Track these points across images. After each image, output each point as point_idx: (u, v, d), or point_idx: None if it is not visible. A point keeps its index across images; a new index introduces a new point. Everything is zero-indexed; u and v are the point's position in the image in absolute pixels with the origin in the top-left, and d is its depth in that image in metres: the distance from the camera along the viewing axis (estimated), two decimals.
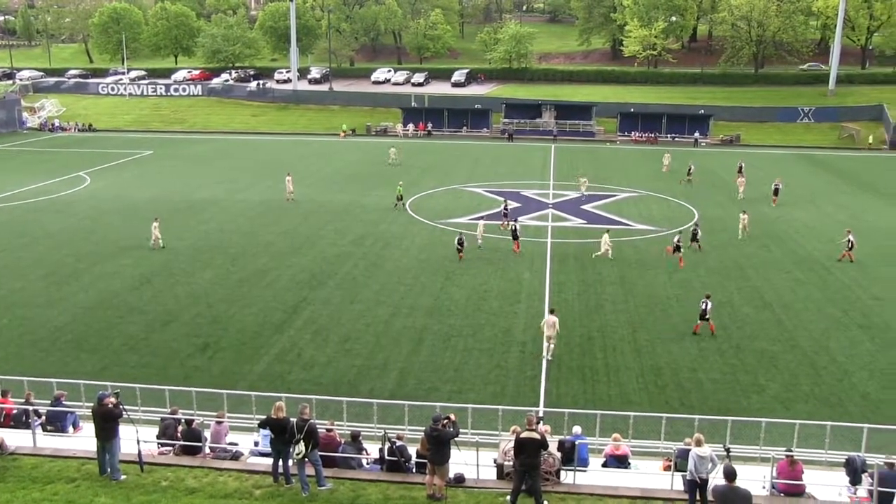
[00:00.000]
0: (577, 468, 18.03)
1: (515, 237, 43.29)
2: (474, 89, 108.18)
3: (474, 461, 17.85)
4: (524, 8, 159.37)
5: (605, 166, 71.23)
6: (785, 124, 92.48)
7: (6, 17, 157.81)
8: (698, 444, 16.10)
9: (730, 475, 14.36)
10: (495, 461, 18.21)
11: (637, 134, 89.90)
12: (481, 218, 45.84)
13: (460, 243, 41.85)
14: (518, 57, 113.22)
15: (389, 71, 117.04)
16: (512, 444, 16.89)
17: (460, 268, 40.11)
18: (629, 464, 19.41)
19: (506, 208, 49.76)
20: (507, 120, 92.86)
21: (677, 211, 53.19)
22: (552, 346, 29.39)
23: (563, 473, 17.86)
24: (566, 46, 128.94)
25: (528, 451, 16.30)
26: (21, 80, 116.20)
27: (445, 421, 17.01)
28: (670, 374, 28.08)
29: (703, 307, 31.60)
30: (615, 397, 26.35)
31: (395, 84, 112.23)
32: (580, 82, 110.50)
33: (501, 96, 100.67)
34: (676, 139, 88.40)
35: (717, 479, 15.77)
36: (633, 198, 57.84)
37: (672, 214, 52.07)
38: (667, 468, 18.63)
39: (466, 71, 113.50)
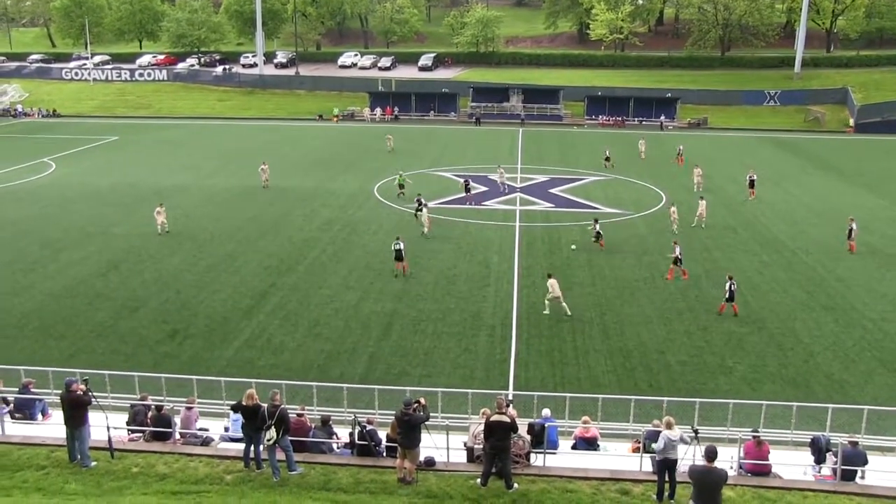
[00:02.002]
0: (547, 451, 18.16)
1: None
2: (441, 73, 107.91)
3: (444, 445, 17.91)
4: None
5: (572, 150, 71.46)
6: (751, 107, 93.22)
7: None
8: (669, 426, 16.23)
9: (711, 455, 14.48)
10: (465, 444, 18.28)
11: (604, 117, 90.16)
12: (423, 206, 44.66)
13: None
14: (485, 41, 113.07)
15: (356, 55, 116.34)
16: (482, 427, 16.95)
17: (429, 251, 40.06)
18: (598, 446, 19.60)
19: (467, 188, 51.33)
20: (474, 104, 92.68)
21: (645, 194, 53.50)
22: (564, 304, 31.78)
23: (532, 456, 17.98)
24: (533, 30, 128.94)
25: (497, 434, 16.38)
26: None
27: (416, 405, 17.02)
28: (639, 357, 28.32)
29: (729, 288, 31.74)
30: (584, 380, 26.53)
31: (362, 68, 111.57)
32: (547, 66, 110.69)
33: (469, 80, 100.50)
34: (644, 122, 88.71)
35: (685, 460, 15.97)
36: (600, 181, 58.07)
37: (640, 197, 52.37)
38: (636, 450, 18.82)
39: (433, 55, 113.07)
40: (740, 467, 17.52)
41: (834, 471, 17.44)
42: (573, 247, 40.77)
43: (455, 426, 19.62)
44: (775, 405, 22.54)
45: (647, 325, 31.17)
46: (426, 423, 17.10)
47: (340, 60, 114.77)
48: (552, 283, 32.14)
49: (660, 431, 16.48)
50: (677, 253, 36.21)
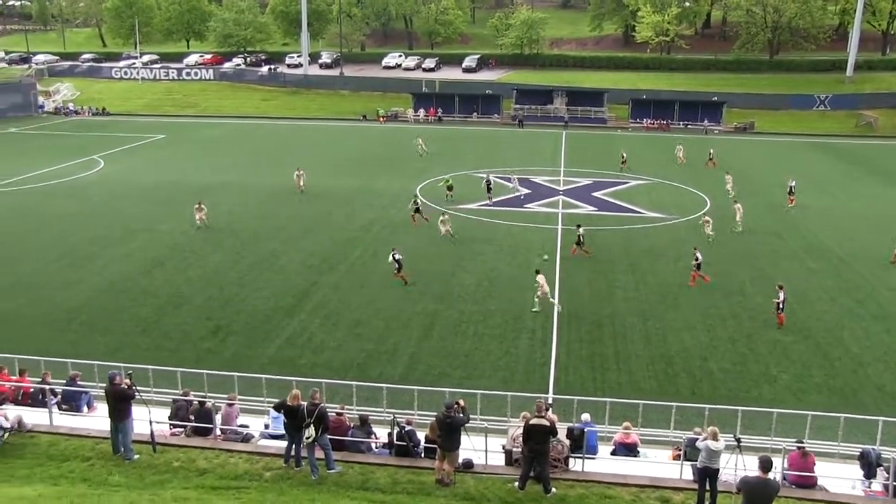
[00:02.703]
0: (586, 456, 18.01)
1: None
2: (485, 75, 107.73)
3: (483, 447, 17.83)
4: None
5: (616, 153, 70.81)
6: (800, 111, 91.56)
7: (22, 2, 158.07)
8: (714, 437, 15.87)
9: (766, 466, 14.03)
10: (504, 447, 18.20)
11: (649, 121, 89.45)
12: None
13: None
14: (529, 43, 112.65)
15: (400, 56, 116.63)
16: (521, 430, 16.85)
17: (471, 254, 39.98)
18: (638, 452, 19.36)
19: (489, 187, 51.45)
20: (517, 106, 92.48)
21: (689, 198, 52.89)
22: (552, 299, 32.53)
23: (571, 461, 17.83)
24: (578, 32, 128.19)
25: (536, 437, 16.27)
26: (37, 64, 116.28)
27: (455, 407, 16.97)
28: (681, 363, 27.97)
29: (780, 299, 31.18)
30: (625, 385, 26.28)
31: (406, 69, 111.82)
32: (592, 68, 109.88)
33: (512, 82, 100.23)
34: (689, 126, 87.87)
35: (727, 469, 15.70)
36: (644, 185, 57.56)
37: (683, 202, 51.78)
38: (676, 457, 18.57)
39: (477, 56, 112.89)
40: (784, 479, 17.17)
41: (886, 487, 16.98)
42: (545, 257, 39.21)
43: (494, 429, 19.52)
44: (822, 416, 21.97)
45: (690, 331, 30.79)
46: (465, 425, 17.05)
47: (385, 61, 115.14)
48: (540, 279, 32.47)
49: (701, 438, 16.23)
50: (698, 258, 35.97)
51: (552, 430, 16.42)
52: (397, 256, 36.23)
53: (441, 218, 42.97)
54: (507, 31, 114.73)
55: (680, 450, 18.07)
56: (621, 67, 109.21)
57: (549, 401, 23.53)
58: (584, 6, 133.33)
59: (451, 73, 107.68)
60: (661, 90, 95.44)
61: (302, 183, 53.84)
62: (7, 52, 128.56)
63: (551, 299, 32.83)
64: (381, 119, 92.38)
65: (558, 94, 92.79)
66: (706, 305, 33.27)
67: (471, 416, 18.57)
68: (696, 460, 16.20)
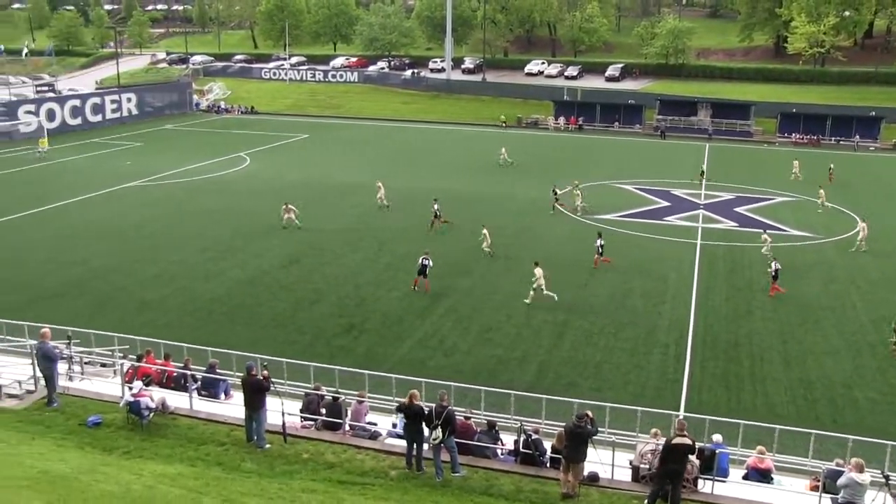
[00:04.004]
0: (717, 478, 17.47)
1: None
2: (628, 84, 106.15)
3: (610, 461, 17.59)
4: (684, 2, 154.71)
5: (761, 168, 68.49)
6: None
7: (185, 6, 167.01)
8: (859, 469, 15.09)
9: None
10: (631, 463, 17.89)
11: (798, 135, 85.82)
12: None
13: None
14: (675, 52, 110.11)
15: (543, 63, 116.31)
16: (650, 446, 16.53)
17: (605, 265, 39.44)
18: (772, 479, 18.61)
19: (556, 195, 50.30)
20: (660, 116, 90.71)
21: (836, 218, 50.45)
22: (547, 291, 33.55)
23: (700, 482, 17.35)
24: (726, 42, 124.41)
25: (676, 457, 15.88)
26: (193, 64, 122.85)
27: (585, 418, 16.80)
28: (822, 389, 26.71)
29: None
30: (760, 408, 25.32)
31: (549, 76, 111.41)
32: (739, 80, 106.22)
33: (655, 92, 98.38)
34: (841, 142, 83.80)
35: None
36: (790, 202, 55.33)
37: (830, 221, 49.44)
38: (814, 488, 17.73)
39: (621, 65, 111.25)
40: None
41: None
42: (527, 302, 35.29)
43: (621, 443, 19.24)
44: None
45: (833, 356, 29.37)
46: (593, 437, 16.85)
47: (527, 68, 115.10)
48: (538, 272, 33.48)
49: (843, 471, 15.46)
50: (775, 268, 35.73)
51: (693, 449, 16.04)
52: (427, 262, 35.34)
53: (483, 231, 41.34)
54: (653, 40, 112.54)
55: (818, 480, 17.27)
56: (770, 80, 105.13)
57: (681, 418, 22.93)
58: (733, 16, 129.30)
59: (594, 82, 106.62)
60: (813, 104, 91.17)
61: (381, 195, 51.14)
62: (168, 53, 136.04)
63: (547, 292, 33.52)
64: (504, 125, 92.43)
65: (703, 106, 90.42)
66: (852, 330, 31.70)
67: (599, 428, 18.33)
68: (837, 494, 15.44)
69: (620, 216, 49.38)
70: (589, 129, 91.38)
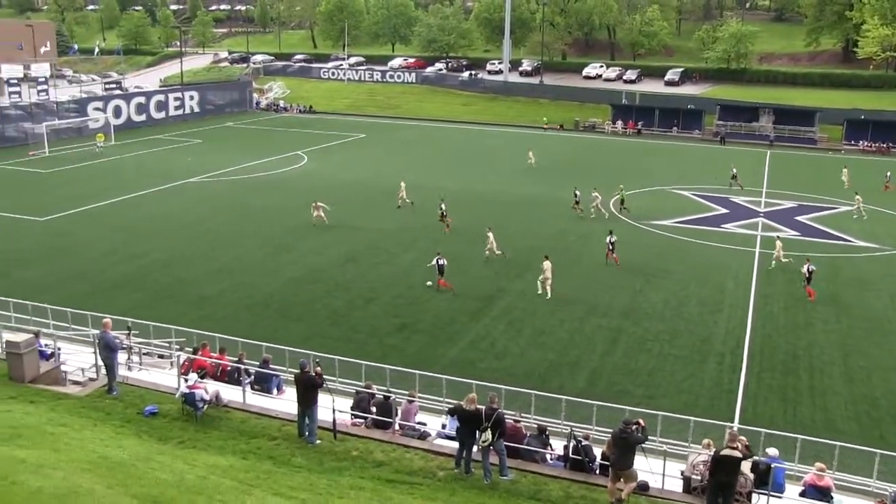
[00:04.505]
0: (772, 493, 17.06)
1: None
2: (688, 89, 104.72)
3: (661, 470, 17.33)
4: (747, 5, 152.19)
5: (825, 176, 66.95)
6: None
7: (247, 6, 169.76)
8: None
9: None
10: (682, 473, 17.59)
11: (865, 143, 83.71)
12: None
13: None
14: (737, 57, 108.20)
15: (601, 66, 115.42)
16: (702, 457, 16.24)
17: (661, 271, 39.01)
18: (832, 498, 18.06)
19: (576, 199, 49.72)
20: (720, 122, 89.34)
21: None
22: (548, 287, 34.80)
23: (755, 496, 16.97)
24: (791, 47, 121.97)
25: (726, 468, 15.56)
26: (254, 63, 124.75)
27: (635, 425, 16.57)
28: (888, 407, 25.88)
29: None
30: (819, 423, 24.70)
31: (607, 80, 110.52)
32: (804, 85, 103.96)
33: (716, 97, 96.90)
34: None
35: None
36: (855, 211, 53.95)
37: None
38: None
39: (681, 70, 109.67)
40: None
41: None
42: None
43: (673, 453, 18.92)
44: None
45: None
46: (643, 445, 16.61)
47: (585, 71, 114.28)
48: (546, 265, 34.83)
49: None
50: (808, 270, 35.70)
51: (746, 456, 15.72)
52: (441, 262, 35.98)
53: (488, 233, 40.81)
54: (714, 44, 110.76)
55: (885, 503, 16.72)
56: (837, 85, 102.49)
57: (735, 429, 22.50)
58: (799, 19, 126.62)
59: (653, 86, 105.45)
60: (884, 110, 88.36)
61: (403, 194, 51.43)
62: (230, 52, 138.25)
63: (547, 287, 34.74)
64: (546, 127, 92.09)
65: (765, 112, 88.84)
66: None
67: (650, 437, 18.06)
68: None
69: (677, 222, 48.75)
70: (647, 134, 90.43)
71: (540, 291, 35.14)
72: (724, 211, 52.65)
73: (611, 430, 18.07)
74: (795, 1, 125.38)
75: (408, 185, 51.85)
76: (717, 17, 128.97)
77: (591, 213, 49.60)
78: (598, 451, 18.21)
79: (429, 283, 36.32)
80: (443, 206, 46.15)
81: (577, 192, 50.55)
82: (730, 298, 35.76)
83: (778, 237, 42.77)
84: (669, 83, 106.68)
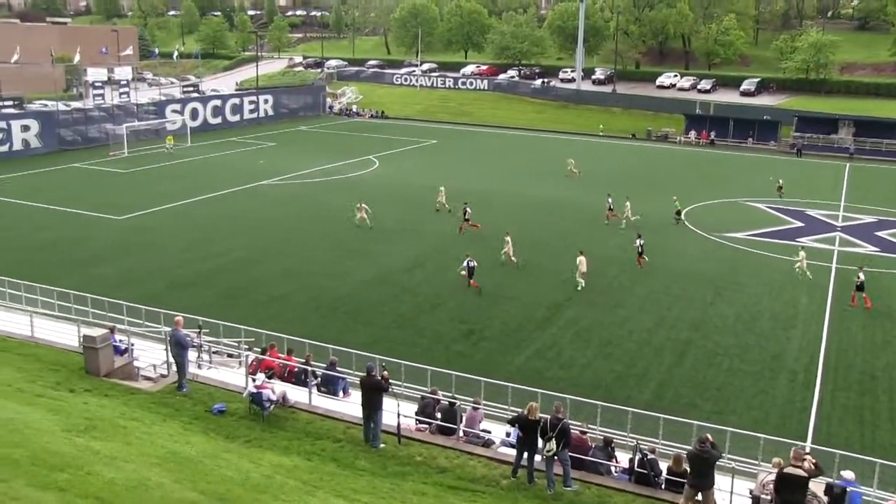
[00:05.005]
0: None
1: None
2: (764, 99, 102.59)
3: (728, 488, 16.95)
4: (829, 14, 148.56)
5: None
6: None
7: (322, 12, 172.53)
8: None
9: None
10: (751, 492, 17.18)
11: None
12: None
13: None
14: (816, 67, 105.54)
15: (675, 76, 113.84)
16: (772, 476, 15.84)
17: (733, 284, 38.28)
18: None
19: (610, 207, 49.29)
20: (797, 134, 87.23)
21: None
22: (581, 279, 36.90)
23: None
24: (875, 57, 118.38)
25: (790, 488, 15.17)
26: (328, 68, 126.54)
27: (707, 442, 16.24)
28: None
29: None
30: None
31: (681, 89, 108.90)
32: (888, 97, 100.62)
33: (793, 108, 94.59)
34: None
35: None
36: None
37: None
38: None
39: (757, 80, 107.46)
40: None
41: None
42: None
43: (742, 470, 18.51)
44: None
45: None
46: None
47: (659, 80, 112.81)
48: (581, 260, 36.94)
49: None
50: (860, 278, 35.35)
51: (814, 475, 15.26)
52: (472, 264, 36.66)
53: (506, 238, 41.04)
54: (793, 53, 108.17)
55: None
56: None
57: (807, 449, 21.90)
58: (885, 28, 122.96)
59: (728, 96, 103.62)
60: None
61: (442, 199, 51.80)
62: (305, 57, 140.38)
63: (580, 279, 36.73)
64: (601, 132, 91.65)
65: (845, 124, 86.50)
66: None
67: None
68: None
69: (750, 235, 47.76)
70: (721, 145, 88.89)
71: (580, 288, 36.67)
72: (799, 224, 51.41)
73: (677, 445, 17.80)
74: (882, 9, 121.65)
75: (478, 191, 51.90)
76: (796, 27, 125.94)
77: (623, 222, 49.15)
78: (663, 466, 17.93)
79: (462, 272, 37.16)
80: (467, 209, 46.59)
81: (611, 199, 50.75)
82: (804, 314, 34.89)
83: (802, 247, 42.04)
84: (745, 93, 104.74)
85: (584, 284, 36.78)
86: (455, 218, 48.01)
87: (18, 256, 40.12)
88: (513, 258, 40.33)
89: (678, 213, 50.66)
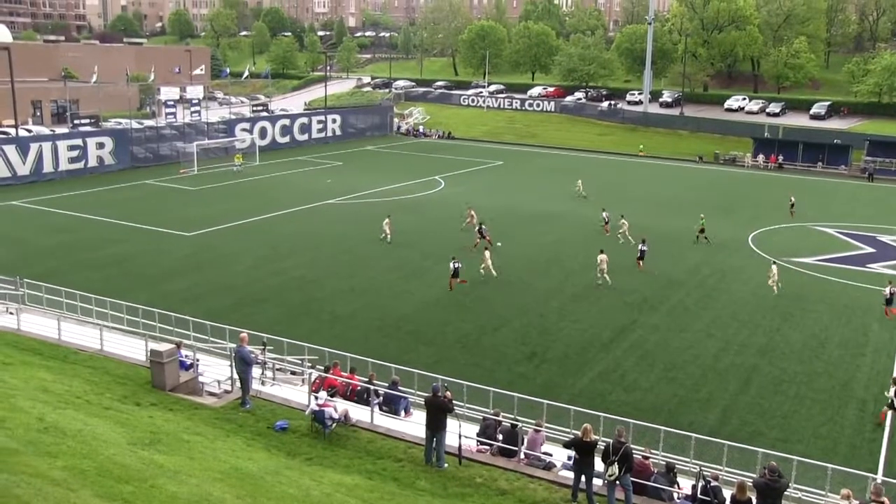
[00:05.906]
0: None
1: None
2: (835, 123, 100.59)
3: None
4: None
5: None
6: None
7: (391, 33, 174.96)
8: None
9: None
10: None
11: None
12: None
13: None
14: (890, 90, 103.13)
15: (744, 99, 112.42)
16: None
17: (800, 310, 37.63)
18: None
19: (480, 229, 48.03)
20: (869, 158, 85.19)
21: None
22: (605, 276, 40.37)
23: None
24: None
25: None
26: (396, 89, 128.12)
27: (776, 472, 16.02)
28: None
29: None
30: None
31: (749, 112, 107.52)
32: None
33: (865, 132, 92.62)
34: None
35: None
36: None
37: None
38: None
39: (828, 103, 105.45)
40: None
41: None
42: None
43: (808, 500, 18.22)
44: None
45: None
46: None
47: (727, 103, 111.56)
48: (602, 258, 40.36)
49: None
50: (889, 292, 36.09)
51: None
52: (456, 265, 39.13)
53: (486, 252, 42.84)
54: (865, 77, 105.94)
55: None
56: None
57: (878, 481, 21.40)
58: None
59: (797, 120, 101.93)
60: None
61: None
62: (373, 78, 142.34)
63: (605, 276, 39.93)
64: (641, 153, 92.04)
65: None
66: None
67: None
68: None
69: (819, 260, 46.88)
70: (789, 168, 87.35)
71: (600, 282, 40.40)
72: (870, 250, 50.26)
73: (742, 473, 17.60)
74: None
75: (549, 213, 51.82)
76: (868, 49, 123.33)
77: (619, 239, 49.07)
78: (727, 493, 17.73)
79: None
80: (483, 226, 47.45)
81: (606, 215, 51.79)
82: (874, 341, 34.11)
83: (774, 262, 42.04)
84: (815, 117, 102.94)
85: (608, 281, 40.10)
86: (501, 244, 48.04)
87: (90, 271, 41.40)
88: (493, 271, 41.31)
89: (702, 230, 50.00)
